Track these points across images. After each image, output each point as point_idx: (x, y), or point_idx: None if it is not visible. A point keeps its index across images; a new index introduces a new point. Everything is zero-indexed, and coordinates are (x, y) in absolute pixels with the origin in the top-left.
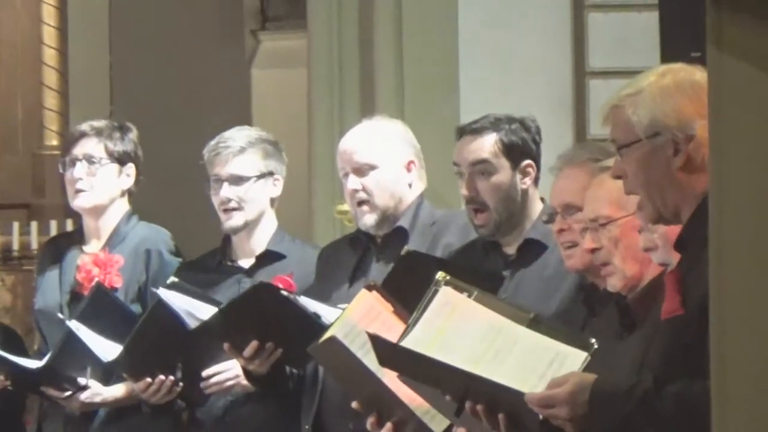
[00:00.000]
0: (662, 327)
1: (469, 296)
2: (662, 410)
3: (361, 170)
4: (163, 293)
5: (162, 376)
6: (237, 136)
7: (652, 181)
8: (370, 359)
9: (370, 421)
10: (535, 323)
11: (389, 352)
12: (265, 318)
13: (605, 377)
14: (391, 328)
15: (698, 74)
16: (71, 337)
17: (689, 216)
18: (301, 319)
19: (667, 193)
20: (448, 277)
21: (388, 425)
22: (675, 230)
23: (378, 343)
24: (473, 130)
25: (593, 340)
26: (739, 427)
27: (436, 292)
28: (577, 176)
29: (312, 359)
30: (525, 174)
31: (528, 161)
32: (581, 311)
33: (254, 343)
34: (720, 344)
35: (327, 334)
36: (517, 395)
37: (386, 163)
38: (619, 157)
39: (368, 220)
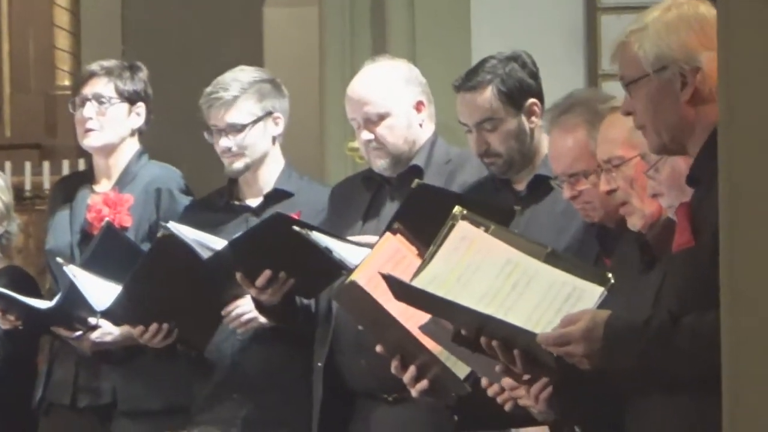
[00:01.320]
0: (674, 260)
1: (486, 231)
2: (677, 343)
3: (372, 121)
4: (173, 225)
5: (155, 325)
6: (229, 84)
7: (661, 115)
8: (392, 305)
9: (394, 365)
10: (552, 258)
11: (402, 291)
12: (279, 248)
13: (619, 313)
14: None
15: (702, 7)
16: (75, 287)
17: (699, 149)
18: (313, 252)
19: (674, 126)
20: (465, 212)
21: (412, 369)
22: (677, 174)
23: (391, 281)
24: (469, 87)
25: (610, 275)
26: (751, 358)
27: (452, 226)
28: (572, 142)
29: (323, 290)
30: (531, 113)
31: (531, 100)
32: (593, 247)
33: (267, 273)
34: (731, 276)
35: (348, 279)
36: (530, 336)
37: (396, 110)
38: (628, 94)
39: (382, 165)
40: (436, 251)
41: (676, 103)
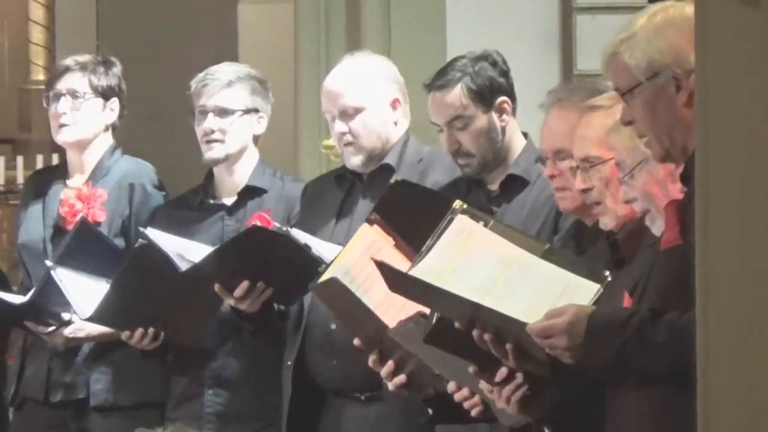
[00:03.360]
0: (661, 257)
1: (485, 225)
2: (655, 339)
3: (347, 113)
4: (152, 233)
5: (141, 329)
6: (226, 70)
7: (660, 122)
8: (369, 298)
9: (372, 359)
10: (550, 254)
11: (396, 280)
12: (258, 258)
13: (602, 308)
14: (392, 262)
15: (688, 8)
16: (51, 282)
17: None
18: (294, 255)
19: (674, 132)
20: (464, 206)
21: (390, 363)
22: (654, 180)
23: (385, 270)
24: (439, 86)
25: (607, 273)
26: (722, 353)
27: (451, 220)
28: (567, 119)
29: (301, 297)
30: (501, 111)
31: (501, 98)
32: (570, 247)
33: (245, 284)
34: (704, 277)
35: (327, 275)
36: (520, 326)
37: (372, 105)
38: (625, 104)
39: (355, 161)
40: (433, 244)
41: (673, 107)
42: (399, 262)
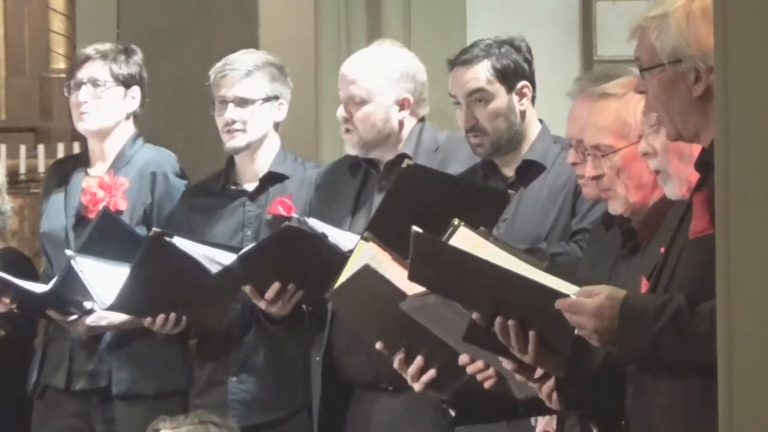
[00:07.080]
0: (690, 246)
1: (485, 239)
2: (693, 329)
3: (353, 101)
4: (179, 242)
5: (162, 315)
6: (244, 59)
7: (673, 105)
8: (403, 284)
9: (398, 358)
10: (552, 269)
11: (430, 252)
12: (289, 259)
13: (636, 294)
14: (393, 275)
15: None
16: (73, 272)
17: (712, 140)
18: (325, 255)
19: (687, 117)
20: (463, 223)
21: (419, 359)
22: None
23: (420, 238)
24: (464, 60)
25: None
26: (744, 344)
27: (453, 232)
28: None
29: None
30: (522, 95)
31: (523, 82)
32: (599, 230)
33: (276, 285)
34: (726, 266)
35: (343, 277)
36: (554, 298)
37: (378, 100)
38: (642, 77)
39: (350, 148)
40: None
41: (688, 95)
42: (399, 274)
